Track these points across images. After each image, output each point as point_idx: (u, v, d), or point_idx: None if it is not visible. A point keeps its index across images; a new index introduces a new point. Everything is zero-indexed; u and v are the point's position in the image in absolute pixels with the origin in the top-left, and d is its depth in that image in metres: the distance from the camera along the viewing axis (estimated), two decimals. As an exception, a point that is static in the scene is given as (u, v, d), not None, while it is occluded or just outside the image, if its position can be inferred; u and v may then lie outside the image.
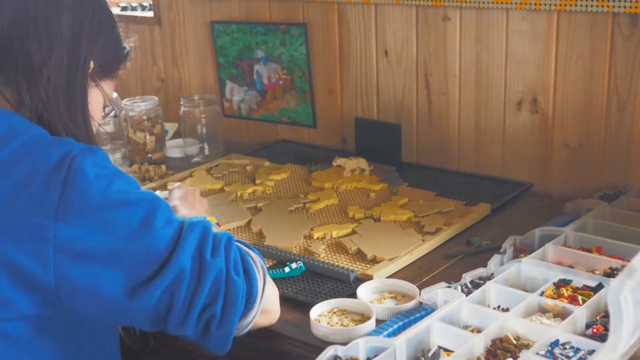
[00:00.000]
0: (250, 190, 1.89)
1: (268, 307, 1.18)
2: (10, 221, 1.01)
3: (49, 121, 1.13)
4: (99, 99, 1.25)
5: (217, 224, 1.40)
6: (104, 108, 1.28)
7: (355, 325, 1.24)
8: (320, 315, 1.28)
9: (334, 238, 1.61)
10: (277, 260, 1.51)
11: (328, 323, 1.25)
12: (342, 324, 1.25)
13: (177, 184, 1.66)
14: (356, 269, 1.45)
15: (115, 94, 1.37)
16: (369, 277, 1.41)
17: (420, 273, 1.46)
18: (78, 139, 1.13)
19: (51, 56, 1.12)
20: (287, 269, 1.44)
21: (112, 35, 1.26)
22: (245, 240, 1.22)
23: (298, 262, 1.45)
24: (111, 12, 1.27)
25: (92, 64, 1.18)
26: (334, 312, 1.29)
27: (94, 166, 1.04)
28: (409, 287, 1.35)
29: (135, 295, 1.04)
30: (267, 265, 1.49)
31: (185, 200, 1.53)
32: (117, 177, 1.07)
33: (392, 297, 1.34)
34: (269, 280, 1.18)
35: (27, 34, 1.11)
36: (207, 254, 1.07)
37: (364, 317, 1.27)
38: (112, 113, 1.31)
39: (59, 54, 1.13)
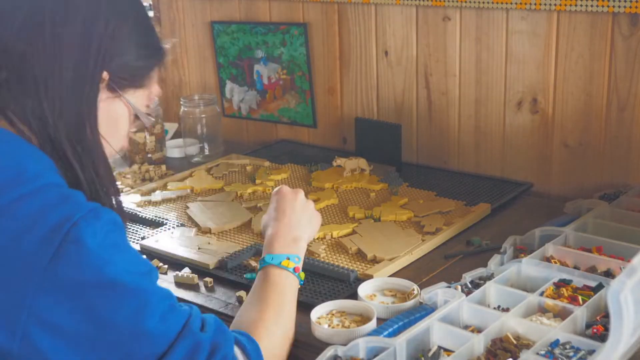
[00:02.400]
0: (250, 190, 1.89)
1: None
2: None
3: (55, 142, 1.05)
4: (123, 110, 1.15)
5: (295, 269, 1.27)
6: (134, 119, 1.18)
7: (357, 326, 1.24)
8: (320, 318, 1.28)
9: (334, 238, 1.61)
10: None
11: (329, 325, 1.25)
12: (343, 326, 1.25)
13: (282, 186, 1.44)
14: (356, 269, 1.45)
15: (156, 100, 1.24)
16: (369, 277, 1.41)
17: (420, 273, 1.46)
18: (86, 160, 1.06)
19: (56, 67, 1.04)
20: None
21: (138, 39, 1.14)
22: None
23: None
24: (140, 14, 1.17)
25: (105, 75, 1.09)
26: (334, 314, 1.29)
27: (95, 236, 0.95)
28: (410, 285, 1.35)
29: None
30: None
31: (283, 214, 1.35)
32: (118, 253, 0.98)
33: (392, 295, 1.34)
34: None
35: (33, 41, 1.03)
36: None
37: (365, 318, 1.27)
38: (144, 125, 1.22)
39: (65, 64, 1.05)
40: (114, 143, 1.16)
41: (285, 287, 1.24)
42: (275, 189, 1.43)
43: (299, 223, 1.36)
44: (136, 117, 1.18)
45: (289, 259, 1.27)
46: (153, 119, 1.22)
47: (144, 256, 1.05)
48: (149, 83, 1.18)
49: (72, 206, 0.98)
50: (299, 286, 1.29)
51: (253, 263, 1.50)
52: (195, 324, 1.03)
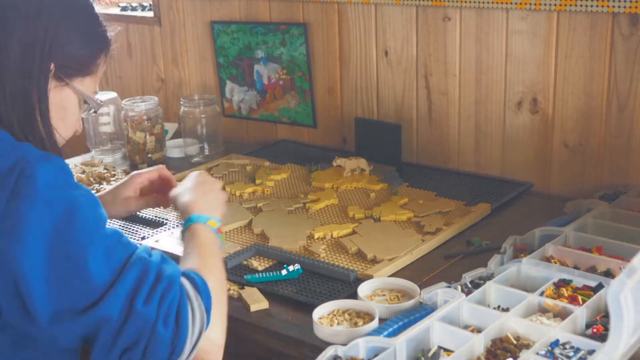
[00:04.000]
0: (250, 190, 1.89)
1: (208, 348, 1.11)
2: None
3: (7, 125, 1.10)
4: (72, 98, 1.20)
5: (219, 230, 1.32)
6: (82, 105, 1.23)
7: (360, 326, 1.24)
8: (322, 317, 1.28)
9: (334, 238, 1.61)
10: (278, 261, 1.51)
11: (330, 324, 1.25)
12: (346, 326, 1.25)
13: (201, 171, 1.51)
14: (356, 269, 1.45)
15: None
16: (369, 277, 1.41)
17: (420, 273, 1.46)
18: (35, 145, 1.10)
19: (3, 57, 1.09)
20: (284, 272, 1.43)
21: (82, 30, 1.19)
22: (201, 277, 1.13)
23: (295, 265, 1.45)
24: (84, 6, 1.22)
25: (52, 66, 1.14)
26: (334, 314, 1.29)
27: (46, 175, 1.02)
28: (410, 285, 1.35)
29: (58, 322, 1.01)
30: (264, 268, 1.48)
31: (198, 189, 1.40)
32: (69, 189, 1.04)
33: (392, 295, 1.34)
34: (213, 327, 1.11)
35: None
36: (139, 303, 1.02)
37: (367, 318, 1.27)
38: (92, 110, 1.27)
39: (13, 54, 1.10)
40: (64, 131, 1.21)
41: (213, 242, 1.26)
42: (197, 172, 1.48)
43: (214, 200, 1.39)
44: (85, 102, 1.23)
45: (212, 220, 1.30)
46: (102, 103, 1.27)
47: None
48: (95, 70, 1.23)
49: (23, 150, 1.04)
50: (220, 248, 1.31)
51: (254, 263, 1.50)
52: (142, 252, 1.08)
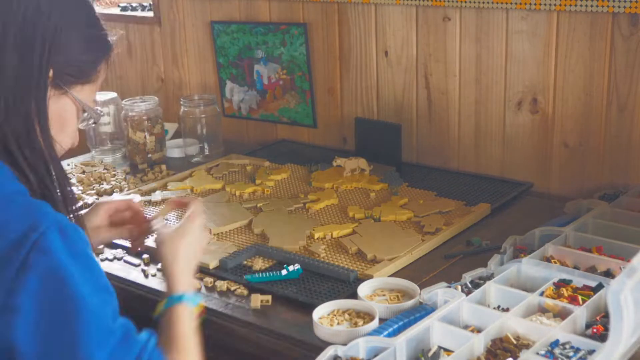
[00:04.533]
0: (250, 190, 1.89)
1: None
2: None
3: (4, 147, 1.05)
4: (70, 107, 1.14)
5: (202, 312, 1.25)
6: (83, 113, 1.18)
7: (359, 326, 1.24)
8: (322, 317, 1.28)
9: (334, 238, 1.61)
10: (278, 261, 1.51)
11: (330, 324, 1.25)
12: (346, 326, 1.25)
13: (198, 205, 1.37)
14: (356, 269, 1.45)
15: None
16: (368, 277, 1.41)
17: (420, 273, 1.46)
18: (37, 162, 1.06)
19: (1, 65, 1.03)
20: (284, 272, 1.43)
21: (83, 34, 1.13)
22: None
23: (295, 265, 1.45)
24: (86, 7, 1.16)
25: (50, 73, 1.08)
26: (335, 314, 1.29)
27: (62, 249, 0.97)
28: (410, 285, 1.35)
29: None
30: (266, 267, 1.48)
31: (181, 242, 1.27)
32: (82, 267, 0.99)
33: (395, 295, 1.34)
34: None
35: None
36: None
37: (367, 318, 1.27)
38: (91, 121, 1.20)
39: (9, 59, 1.04)
40: (64, 141, 1.15)
41: (195, 334, 1.17)
42: (192, 213, 1.33)
43: (196, 259, 1.31)
44: (84, 111, 1.17)
45: (201, 303, 1.24)
46: (102, 113, 1.22)
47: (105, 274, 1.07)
48: (95, 78, 1.18)
49: (38, 216, 0.98)
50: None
51: (257, 266, 1.49)
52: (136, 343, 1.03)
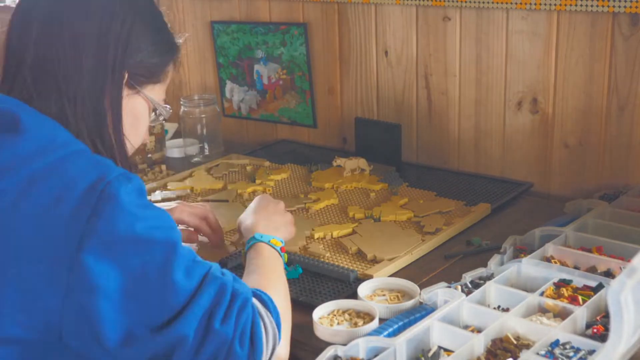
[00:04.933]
0: (250, 190, 1.89)
1: None
2: (33, 239, 0.97)
3: (76, 134, 1.09)
4: (143, 105, 1.21)
5: (282, 249, 1.33)
6: (154, 111, 1.24)
7: (359, 326, 1.24)
8: (322, 317, 1.28)
9: (334, 238, 1.61)
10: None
11: (331, 324, 1.25)
12: (346, 326, 1.25)
13: (264, 195, 1.54)
14: (356, 269, 1.45)
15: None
16: (368, 277, 1.41)
17: (420, 273, 1.46)
18: (105, 155, 1.10)
19: (76, 65, 1.09)
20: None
21: (153, 37, 1.20)
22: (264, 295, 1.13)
23: (295, 265, 1.45)
24: (154, 11, 1.24)
25: (125, 74, 1.14)
26: (335, 314, 1.29)
27: (127, 195, 0.99)
28: (410, 285, 1.35)
29: (130, 344, 0.99)
30: None
31: (262, 211, 1.43)
32: (148, 209, 1.03)
33: (395, 295, 1.34)
34: (281, 343, 1.11)
35: (52, 44, 1.09)
36: (217, 322, 1.01)
37: (367, 318, 1.27)
38: (161, 117, 1.28)
39: (85, 63, 1.10)
40: (135, 139, 1.22)
41: (277, 261, 1.29)
42: (260, 195, 1.52)
43: (277, 221, 1.43)
44: (154, 111, 1.24)
45: (276, 239, 1.33)
46: (171, 110, 1.28)
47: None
48: (164, 78, 1.24)
49: (104, 168, 1.02)
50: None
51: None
52: (216, 271, 1.07)
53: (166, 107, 1.26)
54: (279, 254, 1.32)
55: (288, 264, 1.46)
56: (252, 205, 1.47)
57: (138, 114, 1.20)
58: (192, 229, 1.56)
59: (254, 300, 1.08)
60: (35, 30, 1.10)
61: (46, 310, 0.98)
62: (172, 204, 1.57)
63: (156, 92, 1.23)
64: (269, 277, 1.21)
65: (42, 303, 0.97)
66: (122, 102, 1.15)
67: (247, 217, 1.43)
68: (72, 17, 1.10)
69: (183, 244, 1.06)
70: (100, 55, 1.11)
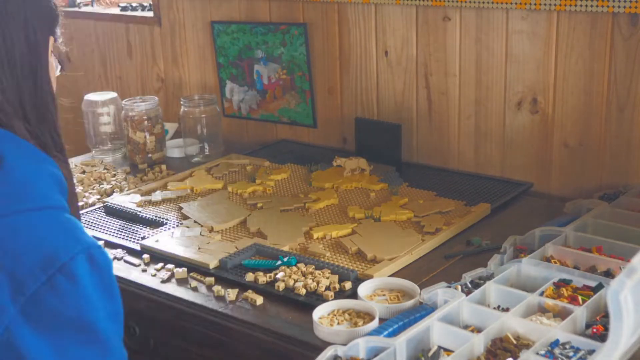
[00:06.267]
0: (250, 190, 1.90)
1: None
2: None
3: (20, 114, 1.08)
4: (52, 66, 1.19)
5: None
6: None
7: (359, 326, 1.24)
8: (322, 317, 1.28)
9: (333, 238, 1.61)
10: (275, 258, 1.51)
11: (331, 324, 1.25)
12: (346, 326, 1.25)
13: None
14: (356, 269, 1.45)
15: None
16: (368, 277, 1.41)
17: (420, 273, 1.46)
18: (45, 129, 1.10)
19: (11, 40, 1.08)
20: (278, 262, 1.46)
21: None
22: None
23: (289, 257, 1.47)
24: None
25: (51, 40, 1.14)
26: (335, 314, 1.29)
27: (89, 277, 0.96)
28: (410, 285, 1.35)
29: None
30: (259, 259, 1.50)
31: None
32: (104, 299, 0.99)
33: (395, 295, 1.34)
34: None
35: None
36: None
37: (367, 318, 1.27)
38: (59, 69, 1.24)
39: (17, 37, 1.09)
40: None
41: None
42: None
43: None
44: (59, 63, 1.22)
45: None
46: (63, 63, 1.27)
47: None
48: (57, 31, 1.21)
49: (73, 239, 0.98)
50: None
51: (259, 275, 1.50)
52: None
53: (57, 58, 1.23)
54: None
55: (282, 255, 1.47)
56: None
57: (52, 67, 1.17)
58: None
59: None
60: None
61: None
62: None
63: (52, 43, 1.20)
64: None
65: None
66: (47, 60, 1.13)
67: None
68: None
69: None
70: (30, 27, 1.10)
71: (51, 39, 1.16)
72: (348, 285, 1.38)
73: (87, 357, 0.97)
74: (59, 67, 1.25)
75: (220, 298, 1.40)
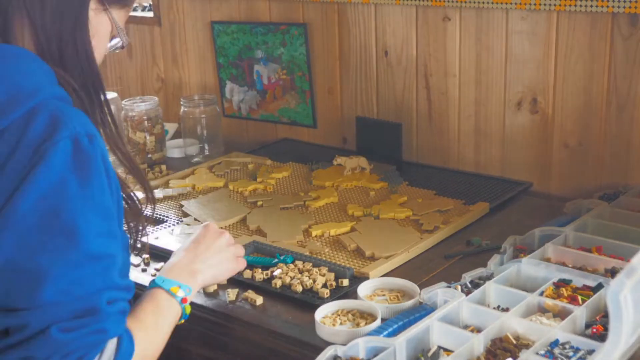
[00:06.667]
0: (251, 188, 1.90)
1: None
2: None
3: (46, 43, 1.08)
4: (106, 26, 1.17)
5: (183, 299, 1.20)
6: (111, 38, 1.20)
7: (362, 326, 1.24)
8: (325, 317, 1.28)
9: (332, 236, 1.61)
10: (272, 256, 1.51)
11: (333, 324, 1.25)
12: (348, 326, 1.25)
13: (210, 223, 1.39)
14: (353, 266, 1.45)
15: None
16: (365, 275, 1.41)
17: (420, 273, 1.46)
18: (75, 64, 1.09)
19: None
20: (275, 260, 1.47)
21: None
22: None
23: (285, 256, 1.48)
24: None
25: None
26: (338, 314, 1.29)
27: (63, 163, 0.98)
28: (410, 285, 1.35)
29: None
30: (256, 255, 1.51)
31: (195, 246, 1.31)
32: (82, 187, 0.99)
33: (395, 295, 1.34)
34: None
35: None
36: (55, 328, 0.97)
37: (369, 318, 1.27)
38: (120, 44, 1.23)
39: None
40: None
41: (167, 313, 1.18)
42: (204, 223, 1.38)
43: (205, 260, 1.30)
44: (112, 37, 1.20)
45: (180, 287, 1.21)
46: (128, 42, 1.25)
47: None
48: (131, 3, 1.20)
49: (58, 124, 0.99)
50: (181, 321, 1.21)
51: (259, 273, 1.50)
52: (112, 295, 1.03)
53: (126, 35, 1.22)
54: (177, 305, 1.19)
55: (280, 253, 1.48)
56: (191, 237, 1.35)
57: (100, 32, 1.16)
58: None
59: (111, 343, 1.01)
60: None
61: None
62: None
63: (121, 16, 1.19)
64: (148, 327, 1.12)
65: None
66: (88, 13, 1.12)
67: (177, 251, 1.32)
68: None
69: None
70: None
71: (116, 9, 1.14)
72: (345, 282, 1.39)
73: (48, 244, 0.97)
74: (119, 41, 1.22)
75: (220, 298, 1.40)
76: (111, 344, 1.01)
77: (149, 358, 1.11)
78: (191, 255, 1.29)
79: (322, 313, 1.28)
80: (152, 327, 1.13)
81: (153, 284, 1.21)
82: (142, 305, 1.16)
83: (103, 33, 1.17)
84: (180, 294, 1.19)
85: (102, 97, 1.16)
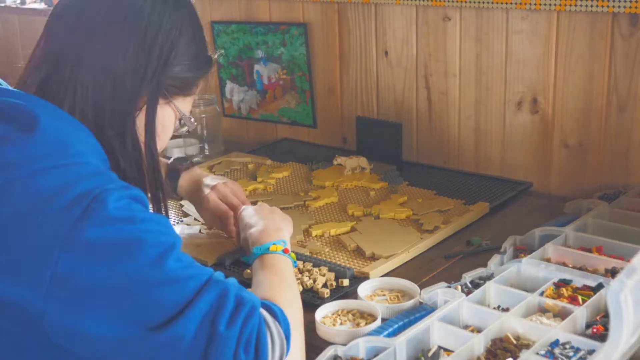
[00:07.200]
0: (251, 187, 1.90)
1: None
2: (20, 232, 0.94)
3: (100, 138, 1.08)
4: (171, 115, 1.20)
5: (285, 250, 1.30)
6: (180, 122, 1.24)
7: (362, 326, 1.24)
8: (325, 317, 1.28)
9: (332, 236, 1.61)
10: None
11: (333, 324, 1.26)
12: (349, 326, 1.25)
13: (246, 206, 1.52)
14: (354, 266, 1.45)
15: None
16: (365, 275, 1.41)
17: (420, 273, 1.46)
18: (125, 161, 1.12)
19: (110, 68, 1.09)
20: None
21: (194, 51, 1.18)
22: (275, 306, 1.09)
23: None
24: (197, 26, 1.21)
25: (159, 85, 1.14)
26: (338, 314, 1.29)
27: (117, 201, 0.97)
28: (410, 285, 1.35)
29: (126, 344, 0.95)
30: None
31: (260, 213, 1.45)
32: (141, 215, 0.99)
33: (395, 295, 1.34)
34: (293, 354, 1.07)
35: (92, 44, 1.09)
36: (221, 325, 0.96)
37: (370, 318, 1.27)
38: (185, 129, 1.26)
39: (125, 67, 1.09)
40: (158, 148, 1.20)
41: (282, 266, 1.26)
42: (259, 204, 1.51)
43: (276, 220, 1.43)
44: (178, 120, 1.24)
45: (275, 244, 1.31)
46: (195, 123, 1.29)
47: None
48: (195, 91, 1.24)
49: (104, 178, 1.00)
50: (294, 267, 1.33)
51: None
52: (219, 276, 1.04)
53: (191, 119, 1.25)
54: (286, 257, 1.29)
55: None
56: (247, 219, 1.45)
57: (165, 123, 1.19)
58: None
59: (262, 311, 1.03)
60: (76, 33, 1.09)
61: (28, 307, 0.94)
62: (221, 180, 1.62)
63: (186, 104, 1.22)
64: (278, 288, 1.18)
65: (22, 306, 0.94)
66: (156, 112, 1.14)
67: (245, 228, 1.43)
68: (112, 19, 1.10)
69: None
70: (140, 64, 1.10)
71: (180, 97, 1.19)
72: (346, 282, 1.39)
73: (144, 261, 0.96)
74: (186, 127, 1.26)
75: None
76: (265, 314, 1.03)
77: (298, 313, 1.15)
78: (264, 222, 1.41)
79: (322, 313, 1.28)
80: (282, 285, 1.20)
81: (254, 257, 1.29)
82: (259, 278, 1.22)
83: (168, 122, 1.21)
84: (279, 248, 1.30)
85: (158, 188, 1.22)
